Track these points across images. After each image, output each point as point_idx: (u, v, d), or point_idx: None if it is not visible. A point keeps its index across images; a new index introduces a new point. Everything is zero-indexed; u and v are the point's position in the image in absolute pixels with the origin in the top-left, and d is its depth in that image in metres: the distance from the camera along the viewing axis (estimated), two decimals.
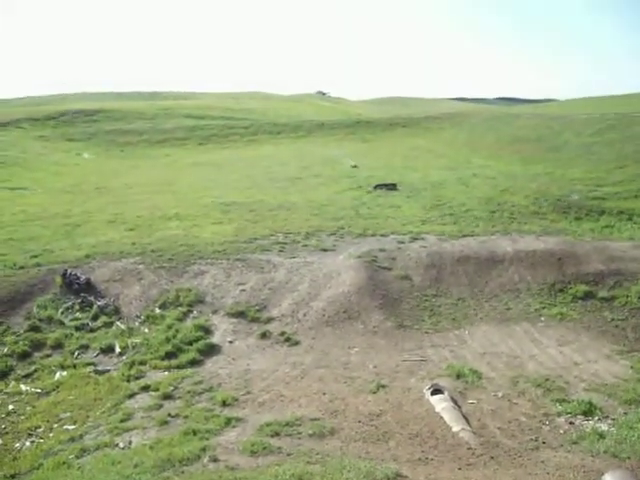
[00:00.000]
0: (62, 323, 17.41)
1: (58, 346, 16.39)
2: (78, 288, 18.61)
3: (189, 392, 13.57)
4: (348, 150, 52.46)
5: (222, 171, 42.76)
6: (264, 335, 16.64)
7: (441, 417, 11.92)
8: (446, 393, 12.80)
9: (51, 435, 12.24)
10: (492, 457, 10.29)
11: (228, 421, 11.95)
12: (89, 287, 18.80)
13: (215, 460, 10.26)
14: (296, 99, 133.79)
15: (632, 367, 14.67)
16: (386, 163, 43.23)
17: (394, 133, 66.03)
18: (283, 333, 16.67)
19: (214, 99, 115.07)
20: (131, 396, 13.60)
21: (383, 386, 13.52)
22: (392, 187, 32.21)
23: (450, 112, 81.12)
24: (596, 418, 11.98)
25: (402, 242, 21.88)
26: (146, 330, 17.04)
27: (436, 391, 12.87)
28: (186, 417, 12.34)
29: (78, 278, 18.84)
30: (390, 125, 70.57)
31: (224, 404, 12.84)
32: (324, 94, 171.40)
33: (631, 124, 44.12)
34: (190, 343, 16.10)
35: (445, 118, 71.91)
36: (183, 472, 9.80)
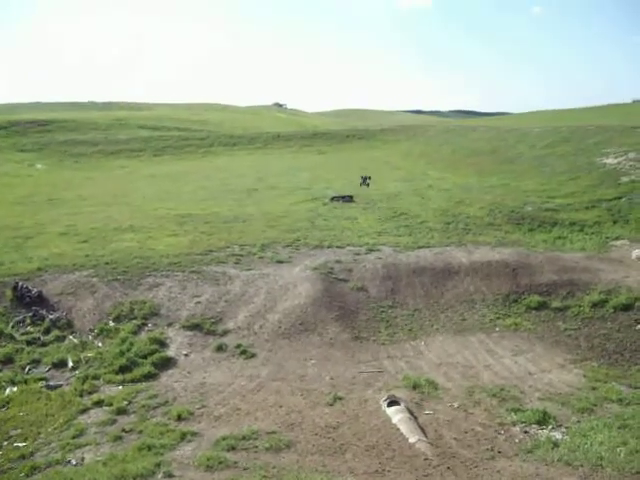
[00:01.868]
0: (12, 337, 16.99)
1: (8, 361, 15.99)
2: (29, 301, 18.23)
3: (144, 406, 13.38)
4: (304, 162, 52.52)
5: (177, 183, 42.42)
6: (220, 348, 16.49)
7: (398, 428, 11.95)
8: (402, 404, 12.84)
9: (0, 453, 11.91)
10: (449, 467, 10.33)
11: (183, 435, 11.82)
12: (41, 300, 18.42)
13: (170, 476, 10.14)
14: (253, 111, 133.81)
15: (585, 376, 14.90)
16: (342, 175, 43.34)
17: (351, 145, 66.36)
18: (239, 346, 16.54)
19: (169, 110, 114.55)
20: (84, 411, 13.33)
21: (340, 398, 13.51)
22: (349, 199, 32.28)
23: (406, 124, 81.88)
24: (550, 427, 12.13)
25: (358, 254, 21.93)
26: (100, 344, 16.75)
27: (392, 402, 12.90)
28: (140, 432, 12.17)
29: (29, 291, 18.45)
30: (347, 137, 70.92)
31: (179, 418, 12.70)
32: (281, 106, 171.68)
33: (583, 137, 44.90)
34: (145, 357, 15.88)
35: (401, 130, 72.49)
36: None
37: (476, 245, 23.09)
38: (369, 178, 36.83)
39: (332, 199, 32.34)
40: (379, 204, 31.16)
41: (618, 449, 9.99)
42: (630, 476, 8.29)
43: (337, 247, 22.89)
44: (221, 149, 65.41)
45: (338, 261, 21.09)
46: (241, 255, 22.04)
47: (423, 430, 11.96)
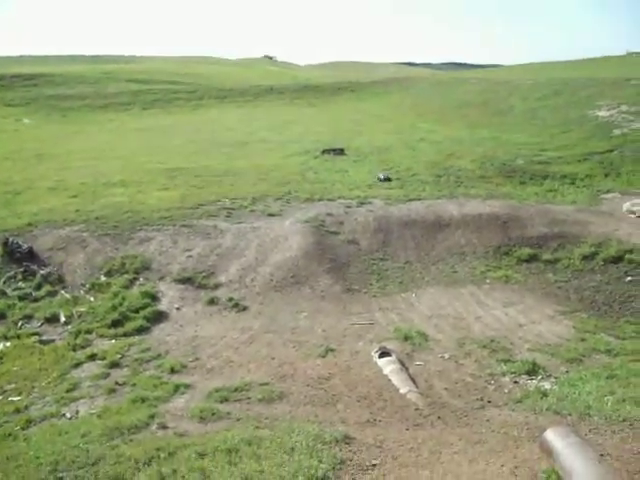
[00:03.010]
0: (4, 293, 16.99)
1: (1, 316, 16.00)
2: (20, 257, 18.17)
3: (136, 360, 13.45)
4: (295, 115, 52.10)
5: (167, 136, 42.03)
6: (212, 301, 16.53)
7: (389, 379, 12.05)
8: (394, 355, 12.94)
9: None
10: (439, 417, 10.45)
11: (176, 388, 11.92)
12: (32, 256, 18.37)
13: (164, 427, 10.24)
14: (243, 64, 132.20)
15: (574, 327, 15.03)
16: (333, 128, 43.06)
17: (341, 98, 65.78)
18: (231, 299, 16.59)
19: (158, 63, 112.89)
20: (77, 365, 13.39)
21: (331, 350, 13.61)
22: (339, 152, 32.11)
23: (397, 77, 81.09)
24: (539, 377, 12.26)
25: (349, 207, 21.88)
26: (91, 298, 16.76)
27: (384, 354, 12.99)
28: (134, 385, 12.25)
29: (20, 247, 18.38)
30: (337, 90, 70.24)
31: (172, 371, 12.79)
32: (271, 58, 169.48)
33: (576, 89, 44.65)
34: (137, 311, 15.93)
35: (392, 83, 71.81)
36: (131, 440, 9.72)
37: (467, 198, 23.07)
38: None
39: (323, 152, 32.14)
40: (370, 157, 31.04)
41: (605, 398, 10.10)
42: (617, 424, 8.40)
43: (328, 200, 22.82)
44: (211, 102, 64.69)
45: (329, 214, 21.05)
46: (232, 209, 21.96)
47: (414, 381, 12.07)
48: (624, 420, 8.60)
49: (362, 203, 22.32)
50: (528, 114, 41.82)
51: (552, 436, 6.11)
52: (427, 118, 46.39)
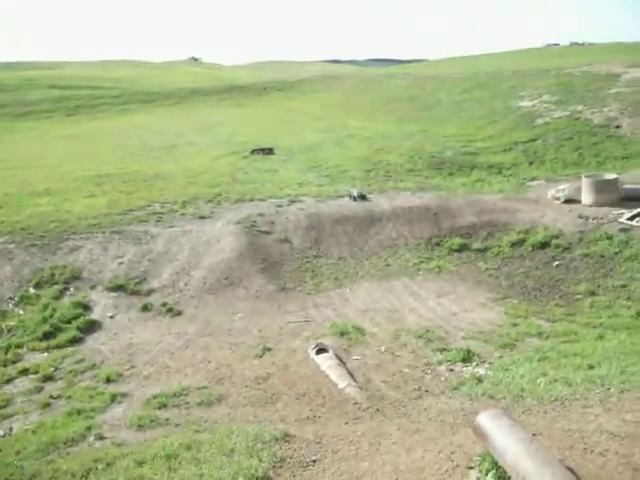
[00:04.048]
0: None
1: None
2: None
3: (71, 372, 13.15)
4: (223, 116, 51.76)
5: (93, 143, 41.25)
6: (145, 307, 16.31)
7: (327, 375, 12.07)
8: (331, 351, 12.97)
9: None
10: (378, 409, 10.51)
11: (113, 397, 11.71)
12: None
13: (101, 438, 10.06)
14: (168, 66, 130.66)
15: (506, 313, 15.34)
16: (262, 128, 42.94)
17: (269, 97, 65.63)
18: (165, 304, 16.40)
19: (79, 68, 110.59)
20: (9, 381, 13.00)
21: (268, 349, 13.57)
22: (268, 151, 32.08)
23: (324, 75, 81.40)
24: (474, 364, 12.46)
25: (280, 206, 21.87)
26: (21, 312, 16.31)
27: (321, 350, 13.01)
28: (69, 397, 11.98)
29: None
30: (264, 89, 70.05)
31: (108, 380, 12.55)
32: (197, 60, 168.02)
33: (499, 81, 45.61)
34: (69, 321, 15.58)
35: (319, 81, 72.03)
36: (68, 453, 9.51)
37: (397, 191, 23.32)
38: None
39: (252, 152, 32.05)
40: (299, 155, 31.09)
41: (538, 380, 10.32)
42: (548, 404, 8.60)
43: (259, 200, 22.75)
44: (137, 106, 63.74)
45: (260, 214, 20.99)
46: (162, 213, 21.68)
47: (352, 375, 12.12)
48: (555, 400, 8.81)
49: (293, 201, 22.33)
50: (454, 107, 42.51)
51: (484, 420, 6.20)
52: (356, 115, 46.69)
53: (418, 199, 22.03)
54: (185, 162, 30.85)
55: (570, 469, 5.62)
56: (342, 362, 12.67)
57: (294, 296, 16.85)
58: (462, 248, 19.32)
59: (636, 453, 5.76)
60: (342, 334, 14.09)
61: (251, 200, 22.80)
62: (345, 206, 21.59)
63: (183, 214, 21.59)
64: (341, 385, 11.62)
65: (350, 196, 22.17)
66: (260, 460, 7.74)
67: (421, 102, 46.67)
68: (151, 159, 32.49)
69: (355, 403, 10.91)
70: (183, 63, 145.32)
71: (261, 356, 13.32)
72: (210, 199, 23.21)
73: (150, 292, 17.04)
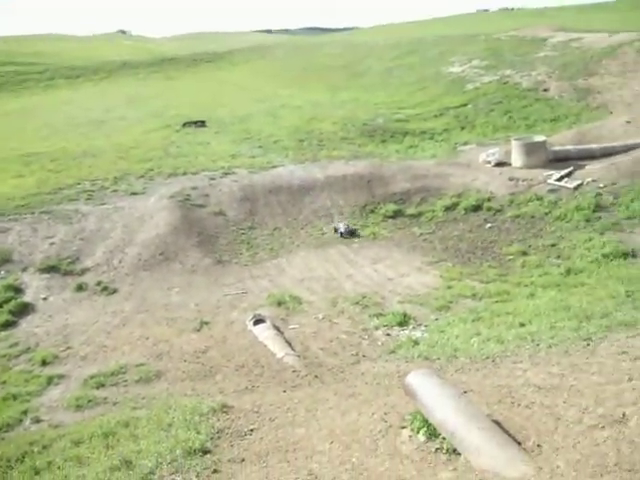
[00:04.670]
0: None
1: None
2: None
3: (5, 356, 12.88)
4: (153, 89, 50.80)
5: (19, 121, 40.06)
6: (80, 287, 16.02)
7: (265, 345, 12.11)
8: (268, 322, 13.00)
9: None
10: (316, 376, 10.60)
11: (50, 380, 11.57)
12: None
13: (38, 421, 9.97)
14: (95, 39, 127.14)
15: (441, 276, 15.58)
16: (193, 100, 42.32)
17: (200, 69, 64.67)
18: (99, 283, 16.13)
19: None
20: None
21: (206, 323, 13.54)
22: (201, 124, 31.66)
23: (255, 45, 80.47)
24: (410, 327, 12.66)
25: (214, 178, 21.64)
26: None
27: (258, 321, 13.04)
28: (4, 382, 11.75)
29: None
30: (195, 61, 69.00)
31: (44, 363, 12.35)
32: (125, 33, 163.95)
33: (429, 47, 45.82)
34: (0, 305, 15.18)
35: (251, 51, 71.23)
36: (3, 439, 9.37)
37: (331, 160, 23.31)
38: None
39: (184, 125, 31.58)
40: (232, 127, 30.78)
41: (472, 340, 10.54)
42: (480, 362, 8.78)
43: (192, 173, 22.47)
44: (63, 82, 62.00)
45: (194, 187, 20.75)
46: (93, 191, 21.25)
47: (290, 344, 12.18)
48: (487, 358, 9.00)
49: (226, 174, 22.12)
50: (385, 74, 42.61)
51: (414, 379, 6.30)
52: (287, 84, 46.39)
53: (352, 167, 22.07)
54: (115, 137, 30.25)
55: (497, 422, 5.76)
56: (280, 332, 12.71)
57: (230, 268, 16.78)
58: (396, 214, 19.48)
59: (559, 404, 5.93)
60: (279, 304, 14.12)
61: (184, 174, 22.50)
62: (278, 176, 21.51)
63: (115, 191, 21.19)
64: (279, 354, 11.66)
65: (336, 231, 18.71)
66: (198, 432, 7.71)
67: (352, 70, 46.63)
68: (79, 136, 31.74)
69: (293, 371, 10.97)
70: (111, 36, 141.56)
71: (199, 330, 13.28)
72: (142, 174, 22.83)
73: (84, 271, 16.73)
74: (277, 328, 12.84)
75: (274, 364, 11.36)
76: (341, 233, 18.41)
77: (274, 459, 6.81)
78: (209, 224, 18.83)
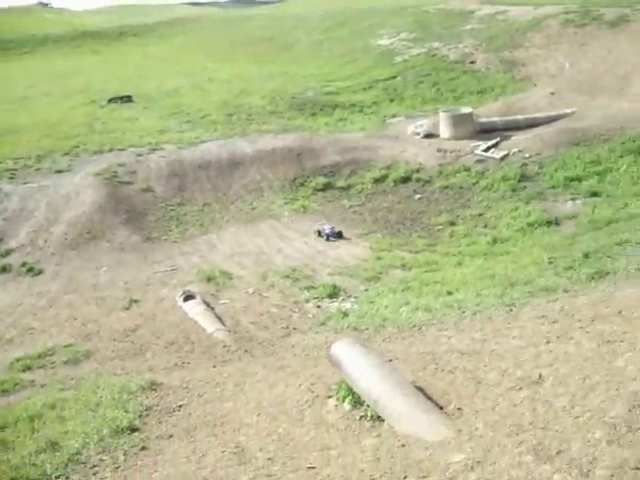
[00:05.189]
0: None
1: None
2: None
3: None
4: (78, 64, 49.41)
5: None
6: (4, 269, 15.63)
7: (195, 321, 12.03)
8: (198, 297, 12.92)
9: None
10: (246, 350, 10.59)
11: None
12: None
13: None
14: (13, 12, 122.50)
15: (371, 247, 15.72)
16: (119, 75, 41.34)
17: (125, 43, 63.15)
18: (24, 264, 15.75)
19: None
20: None
21: (135, 301, 13.37)
22: (127, 99, 30.98)
23: (182, 17, 78.89)
24: (341, 299, 12.76)
25: (141, 154, 21.24)
26: None
27: (188, 297, 12.93)
28: None
29: None
30: (120, 35, 67.29)
31: None
32: (46, 5, 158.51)
33: (358, 20, 45.67)
34: None
35: (177, 24, 69.80)
36: None
37: (260, 134, 23.15)
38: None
39: (110, 101, 30.84)
40: (159, 102, 30.22)
41: (401, 309, 10.68)
42: (408, 331, 8.91)
43: (119, 150, 22.00)
44: None
45: (121, 164, 20.35)
46: (15, 169, 20.62)
47: (220, 319, 12.14)
48: (414, 326, 9.14)
49: (154, 149, 21.74)
50: (314, 46, 42.43)
51: (338, 349, 6.36)
52: (215, 58, 45.73)
53: (281, 141, 21.98)
54: (39, 114, 29.33)
55: (421, 388, 5.86)
56: (210, 307, 12.65)
57: (160, 245, 16.59)
58: (326, 187, 19.53)
59: (480, 368, 6.06)
60: (209, 280, 14.03)
61: (110, 150, 22.02)
62: (207, 151, 21.27)
63: (38, 169, 20.63)
64: (209, 330, 11.61)
65: (320, 234, 16.57)
66: (126, 411, 7.66)
67: (281, 42, 46.28)
68: (1, 112, 30.66)
69: (224, 346, 10.94)
70: (30, 9, 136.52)
71: (128, 308, 13.11)
72: (67, 152, 22.27)
73: (8, 252, 16.30)
74: (207, 304, 12.76)
75: (204, 340, 11.31)
76: (326, 235, 16.44)
77: (202, 434, 6.82)
78: (137, 201, 18.53)
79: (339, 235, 16.52)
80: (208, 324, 11.83)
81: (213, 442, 6.47)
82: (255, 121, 25.30)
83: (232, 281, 13.97)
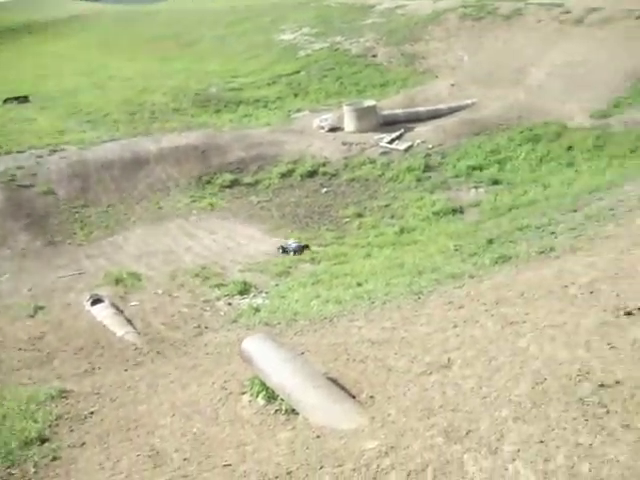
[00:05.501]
0: None
1: None
2: None
3: None
4: None
5: None
6: None
7: (104, 325, 11.78)
8: (106, 301, 12.65)
9: None
10: (158, 352, 10.46)
11: None
12: None
13: None
14: None
15: (280, 242, 15.71)
16: (14, 75, 39.89)
17: (20, 41, 60.91)
18: None
19: None
20: None
21: (41, 308, 12.95)
22: (24, 100, 29.90)
23: (80, 14, 76.77)
24: (252, 295, 12.75)
25: (40, 156, 20.46)
26: None
27: (96, 301, 12.65)
28: None
29: None
30: (13, 31, 64.79)
31: None
32: None
33: (260, 15, 45.52)
34: None
35: (76, 21, 67.79)
36: None
37: (164, 132, 22.76)
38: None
39: (5, 101, 29.70)
40: (58, 102, 29.27)
41: (312, 303, 10.76)
42: (319, 323, 9.02)
43: (17, 152, 21.07)
44: None
45: (19, 167, 19.58)
46: None
47: (130, 322, 11.93)
48: (325, 318, 9.24)
49: (54, 151, 21.01)
50: (217, 42, 42.03)
51: (249, 345, 6.39)
52: (116, 55, 44.64)
53: (185, 139, 21.69)
54: None
55: (333, 379, 5.95)
56: (119, 310, 12.41)
57: (64, 249, 16.15)
58: (233, 183, 19.45)
59: (390, 355, 6.21)
60: (117, 282, 13.75)
61: (8, 153, 21.13)
62: (110, 151, 20.76)
63: None
64: (119, 333, 11.40)
65: (285, 250, 15.28)
66: (35, 421, 7.45)
67: (183, 38, 45.61)
68: None
69: (135, 349, 10.77)
70: None
71: (33, 316, 12.69)
72: None
73: None
74: (116, 307, 12.52)
75: (115, 344, 11.10)
76: (293, 251, 15.15)
77: (115, 439, 6.72)
78: (38, 205, 17.94)
79: (306, 247, 15.43)
80: (118, 327, 11.61)
81: (127, 447, 6.39)
82: (158, 119, 24.88)
83: (141, 282, 13.74)
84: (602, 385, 4.55)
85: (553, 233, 11.11)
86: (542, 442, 4.00)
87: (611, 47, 23.47)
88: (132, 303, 12.83)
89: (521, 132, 20.16)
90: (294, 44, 36.84)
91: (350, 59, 32.41)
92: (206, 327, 11.46)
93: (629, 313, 5.74)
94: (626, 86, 21.50)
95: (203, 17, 50.72)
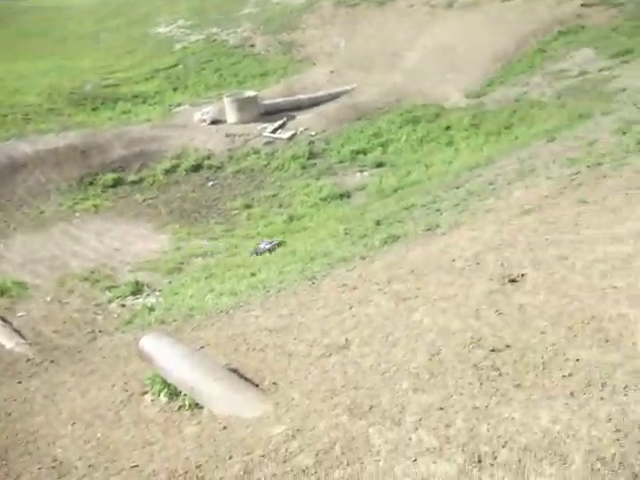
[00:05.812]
0: None
1: None
2: None
3: None
4: None
5: None
6: None
7: None
8: None
9: None
10: (52, 361, 10.13)
11: None
12: None
13: None
14: None
15: (169, 239, 15.58)
16: None
17: None
18: None
19: None
20: None
21: None
22: None
23: None
24: (145, 294, 12.55)
25: None
26: None
27: None
28: None
29: None
30: None
31: None
32: None
33: (133, 8, 44.56)
34: None
35: None
36: None
37: (40, 134, 21.93)
38: None
39: None
40: None
41: (206, 297, 10.72)
42: (216, 316, 9.01)
43: None
44: None
45: None
46: None
47: (20, 333, 11.50)
48: (222, 311, 9.24)
49: None
50: (89, 38, 40.86)
51: (146, 344, 6.34)
52: None
53: (63, 139, 20.97)
54: None
55: (234, 370, 5.99)
56: (6, 322, 11.92)
57: None
58: (117, 183, 19.03)
59: (290, 341, 6.31)
60: (2, 293, 13.17)
61: None
62: None
63: None
64: (9, 346, 10.97)
65: (258, 253, 14.05)
66: None
67: (53, 36, 44.01)
68: None
69: (27, 360, 10.39)
70: None
71: None
72: None
73: None
74: (3, 318, 12.03)
75: (5, 356, 10.65)
76: (267, 250, 14.00)
77: (14, 454, 6.51)
78: None
79: (279, 245, 14.32)
80: (6, 340, 11.16)
81: (28, 460, 6.20)
82: (33, 120, 23.92)
83: (27, 291, 13.24)
84: (493, 350, 4.81)
85: (438, 210, 11.51)
86: (442, 409, 4.19)
87: (480, 30, 24.38)
88: (20, 313, 12.35)
89: (401, 115, 20.66)
90: (170, 37, 36.33)
91: (228, 50, 32.27)
92: (100, 331, 11.19)
93: (513, 280, 6.08)
94: (496, 67, 22.40)
95: (73, 13, 49.25)
